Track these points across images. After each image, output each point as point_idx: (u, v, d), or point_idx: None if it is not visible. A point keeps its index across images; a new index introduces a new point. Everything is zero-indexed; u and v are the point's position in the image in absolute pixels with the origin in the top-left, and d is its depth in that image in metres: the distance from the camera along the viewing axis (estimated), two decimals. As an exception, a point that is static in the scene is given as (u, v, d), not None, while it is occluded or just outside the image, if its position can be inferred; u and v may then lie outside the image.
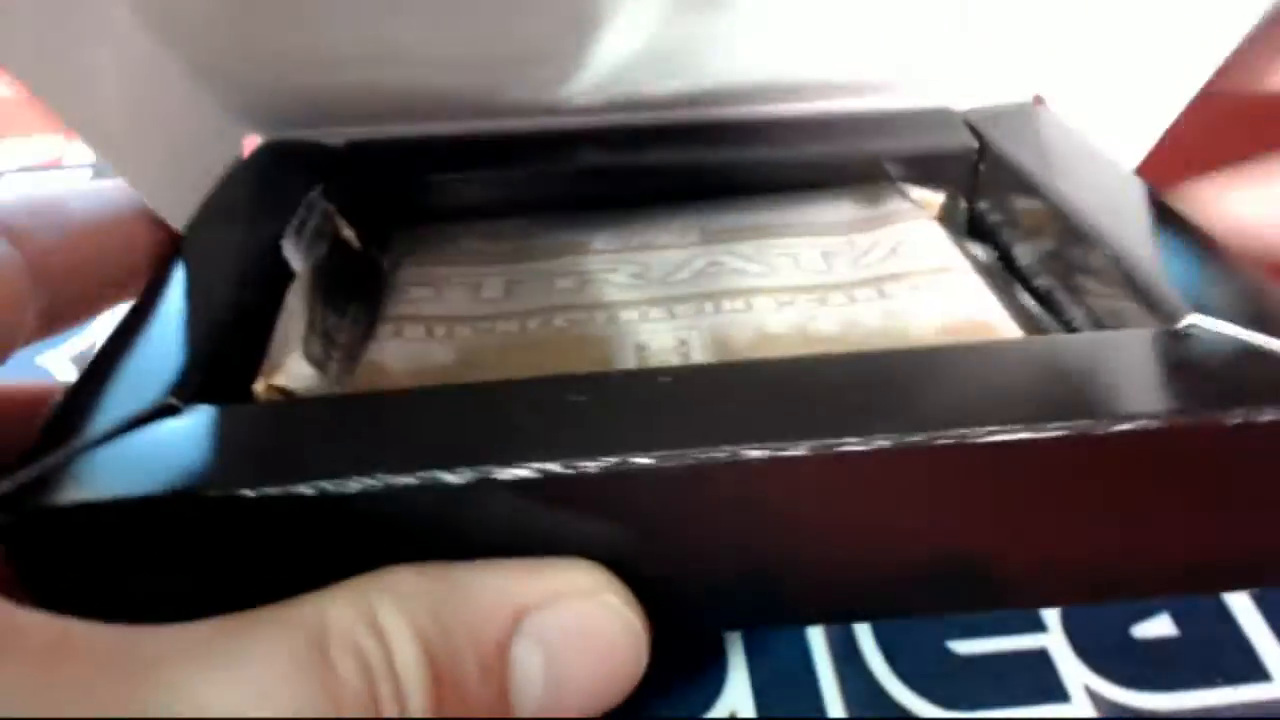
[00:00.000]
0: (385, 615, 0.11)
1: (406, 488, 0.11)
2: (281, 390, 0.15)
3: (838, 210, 0.20)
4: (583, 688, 0.12)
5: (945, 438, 0.12)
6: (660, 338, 0.16)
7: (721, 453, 0.11)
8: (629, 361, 0.16)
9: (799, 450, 0.11)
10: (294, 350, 0.15)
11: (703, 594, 0.13)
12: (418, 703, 0.11)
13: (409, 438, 0.12)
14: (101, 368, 0.13)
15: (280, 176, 0.19)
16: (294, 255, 0.18)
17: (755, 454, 0.11)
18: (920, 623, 0.17)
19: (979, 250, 0.19)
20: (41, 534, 0.11)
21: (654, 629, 0.12)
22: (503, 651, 0.12)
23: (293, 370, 0.15)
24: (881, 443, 0.11)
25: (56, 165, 0.32)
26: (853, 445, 0.11)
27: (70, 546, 0.12)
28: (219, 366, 0.14)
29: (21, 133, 0.33)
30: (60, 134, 0.33)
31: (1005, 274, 0.19)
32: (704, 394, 0.12)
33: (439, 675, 0.11)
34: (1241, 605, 0.17)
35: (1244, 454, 0.12)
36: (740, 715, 0.15)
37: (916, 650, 0.16)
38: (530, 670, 0.12)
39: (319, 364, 0.15)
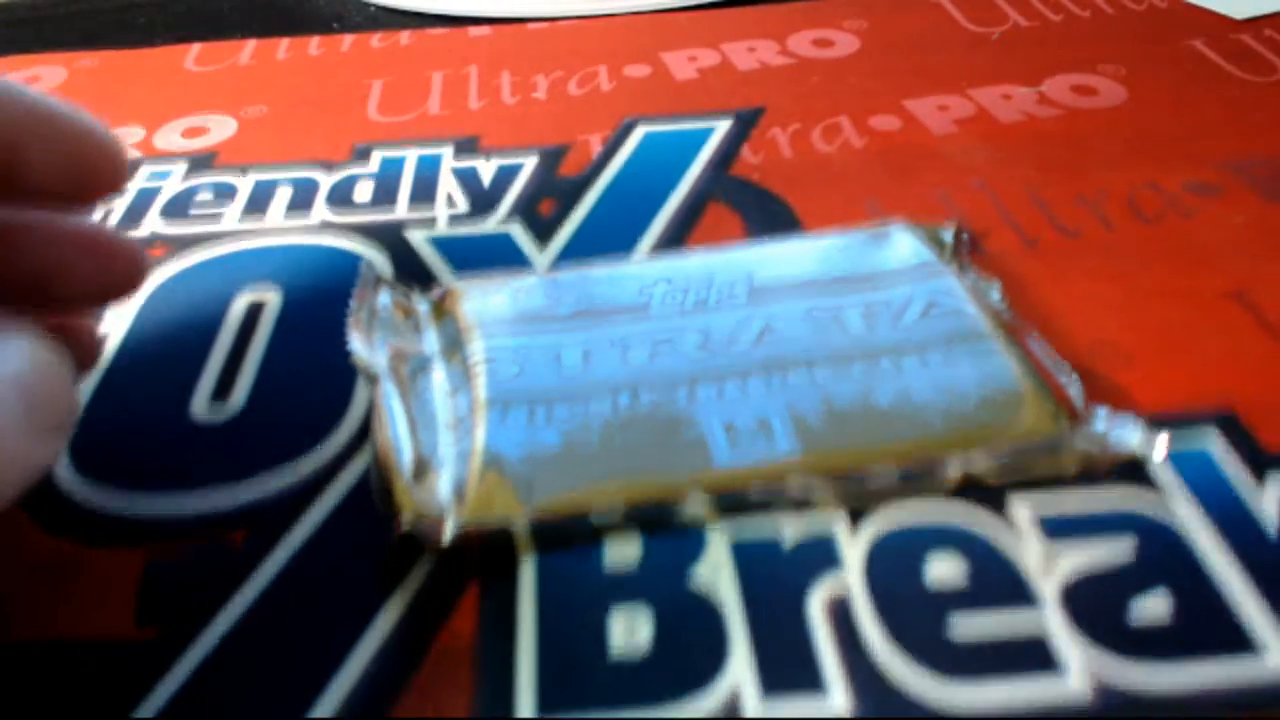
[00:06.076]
0: None
1: None
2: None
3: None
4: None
5: None
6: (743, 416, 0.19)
7: None
8: (721, 441, 0.18)
9: None
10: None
11: None
12: None
13: None
14: None
15: None
16: (366, 350, 0.20)
17: None
18: (920, 599, 0.17)
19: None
20: None
21: None
22: None
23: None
24: None
25: None
26: None
27: None
28: None
29: None
30: None
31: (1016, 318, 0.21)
32: None
33: None
34: (1235, 581, 0.17)
35: None
36: (742, 690, 0.16)
37: (916, 626, 0.16)
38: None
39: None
